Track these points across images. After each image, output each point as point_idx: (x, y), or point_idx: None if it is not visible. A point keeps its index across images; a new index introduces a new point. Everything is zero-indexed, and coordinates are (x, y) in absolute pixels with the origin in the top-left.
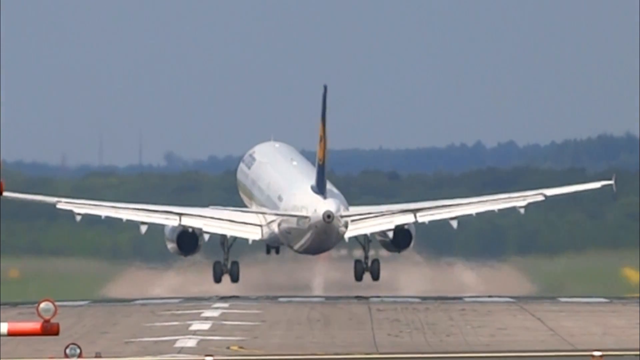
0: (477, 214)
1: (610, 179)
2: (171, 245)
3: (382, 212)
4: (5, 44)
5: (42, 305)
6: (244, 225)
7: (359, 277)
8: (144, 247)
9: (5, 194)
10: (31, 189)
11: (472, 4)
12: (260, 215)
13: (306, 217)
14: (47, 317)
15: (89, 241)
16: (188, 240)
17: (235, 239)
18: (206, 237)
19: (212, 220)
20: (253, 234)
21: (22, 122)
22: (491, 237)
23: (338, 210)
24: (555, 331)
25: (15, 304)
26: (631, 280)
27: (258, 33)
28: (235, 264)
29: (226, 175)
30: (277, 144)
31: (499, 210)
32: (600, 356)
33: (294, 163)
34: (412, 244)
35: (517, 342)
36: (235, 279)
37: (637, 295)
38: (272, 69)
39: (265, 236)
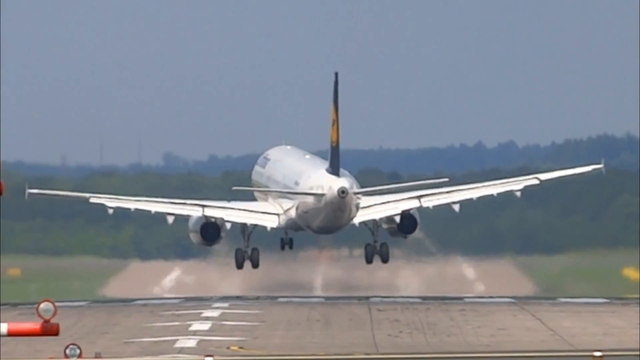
0: (478, 210)
1: (600, 163)
2: (195, 236)
3: (389, 189)
4: (6, 44)
5: (42, 305)
6: (262, 214)
7: (369, 260)
8: (145, 245)
9: (35, 191)
10: (31, 188)
11: (472, 5)
12: (277, 205)
13: (322, 195)
14: (47, 318)
15: (89, 240)
16: (211, 230)
17: (254, 226)
18: (228, 225)
19: (232, 211)
20: (271, 222)
21: (22, 122)
22: (492, 238)
23: (351, 187)
24: (555, 331)
25: (15, 304)
26: (631, 280)
27: (256, 35)
28: (255, 250)
29: (226, 176)
30: (288, 147)
31: (498, 194)
32: (601, 356)
33: (307, 156)
34: (417, 229)
35: (517, 343)
36: (255, 264)
37: (637, 295)
38: (272, 70)
39: (282, 223)
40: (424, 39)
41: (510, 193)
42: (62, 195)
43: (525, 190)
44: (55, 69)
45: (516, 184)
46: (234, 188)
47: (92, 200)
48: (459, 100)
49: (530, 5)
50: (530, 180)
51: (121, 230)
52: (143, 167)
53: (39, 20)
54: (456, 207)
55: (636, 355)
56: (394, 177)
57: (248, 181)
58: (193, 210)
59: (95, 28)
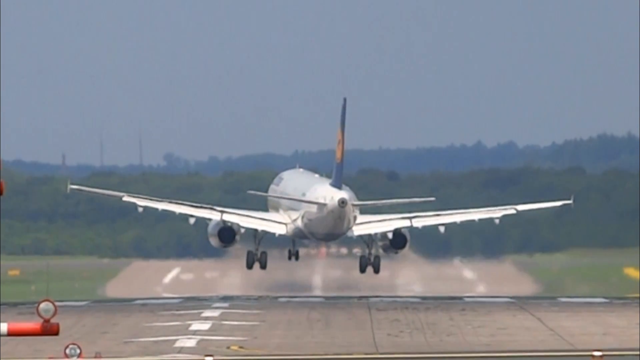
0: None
1: (569, 199)
2: (213, 239)
3: (382, 204)
4: (5, 43)
5: (42, 305)
6: (272, 222)
7: (363, 270)
8: (145, 244)
9: (76, 187)
10: (31, 188)
11: (472, 6)
12: (287, 216)
13: (324, 204)
14: (47, 317)
15: (89, 240)
16: (227, 234)
17: (265, 232)
18: (242, 230)
19: (247, 218)
20: (279, 229)
21: (22, 122)
22: (492, 237)
23: (350, 199)
24: (555, 331)
25: (15, 304)
26: (631, 279)
27: (255, 36)
28: (264, 253)
29: (226, 176)
30: (301, 170)
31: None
32: (601, 356)
33: (316, 176)
34: (407, 246)
35: (517, 342)
36: (263, 266)
37: (637, 295)
38: (271, 71)
39: (290, 231)
40: (424, 39)
41: (510, 190)
42: (100, 194)
43: (525, 189)
44: (56, 68)
45: (496, 212)
46: (250, 192)
47: (125, 199)
48: (459, 100)
49: (531, 6)
50: (509, 211)
51: (121, 230)
52: (144, 168)
53: (39, 20)
54: (442, 229)
55: (636, 355)
56: (393, 177)
57: (248, 182)
58: (212, 214)
59: (96, 28)
